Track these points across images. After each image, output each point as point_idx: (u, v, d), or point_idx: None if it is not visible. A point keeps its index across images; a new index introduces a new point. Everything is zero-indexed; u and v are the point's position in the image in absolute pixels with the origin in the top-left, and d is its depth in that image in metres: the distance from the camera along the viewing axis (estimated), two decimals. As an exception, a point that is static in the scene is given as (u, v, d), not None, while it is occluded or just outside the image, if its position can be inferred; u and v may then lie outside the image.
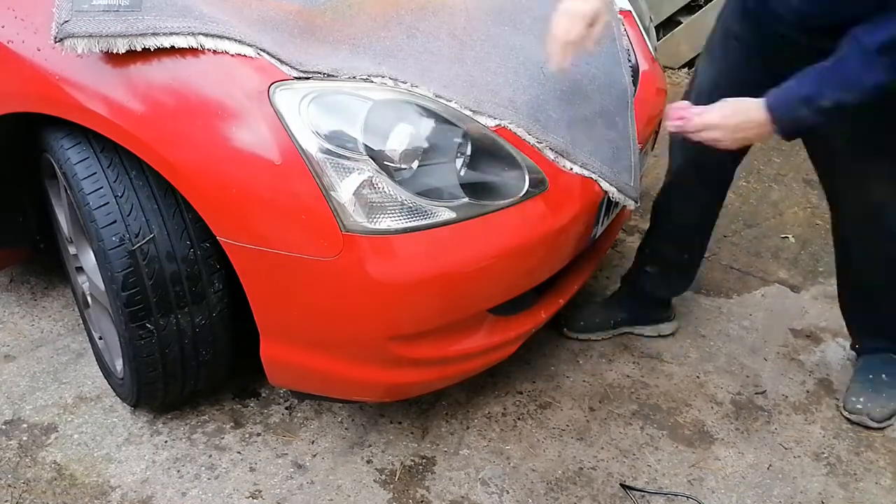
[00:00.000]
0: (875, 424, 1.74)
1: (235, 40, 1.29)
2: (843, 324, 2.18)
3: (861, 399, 1.77)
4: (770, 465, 1.69)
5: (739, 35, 1.57)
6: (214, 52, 1.29)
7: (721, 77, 1.61)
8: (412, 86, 1.37)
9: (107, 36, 1.25)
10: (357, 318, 1.35)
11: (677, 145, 1.75)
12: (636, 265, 1.97)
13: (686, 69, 3.91)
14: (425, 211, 1.31)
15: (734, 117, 1.40)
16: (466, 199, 1.35)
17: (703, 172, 1.73)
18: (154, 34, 1.26)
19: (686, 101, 1.53)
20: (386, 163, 1.28)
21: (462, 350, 1.49)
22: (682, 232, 1.87)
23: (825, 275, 2.37)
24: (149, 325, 1.41)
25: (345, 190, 1.26)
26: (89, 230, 1.39)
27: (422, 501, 1.54)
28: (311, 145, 1.26)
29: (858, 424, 1.76)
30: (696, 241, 1.90)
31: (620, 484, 1.60)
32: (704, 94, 1.57)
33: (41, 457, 1.58)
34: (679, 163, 1.77)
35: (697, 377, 1.93)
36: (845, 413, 1.78)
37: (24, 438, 1.61)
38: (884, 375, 1.80)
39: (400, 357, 1.41)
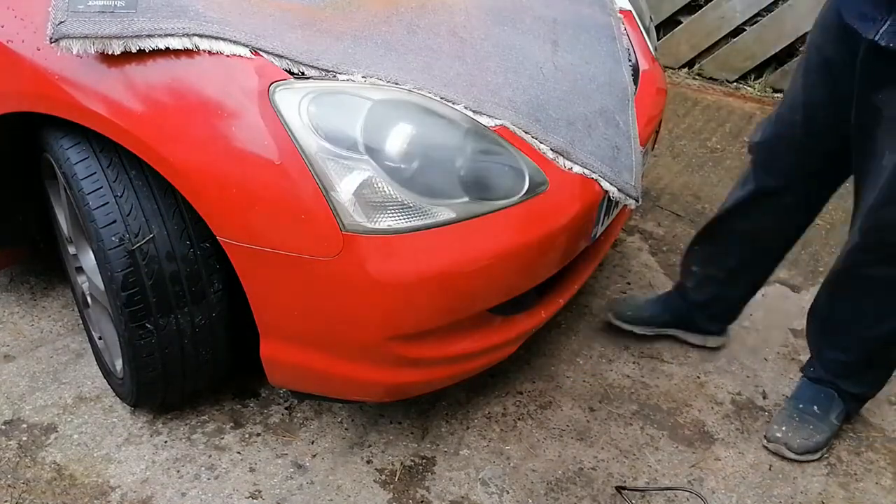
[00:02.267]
0: (793, 455, 1.67)
1: (230, 41, 1.29)
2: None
3: (783, 429, 1.70)
4: (770, 466, 1.69)
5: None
6: (210, 52, 1.28)
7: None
8: (413, 86, 1.37)
9: (102, 37, 1.24)
10: (357, 318, 1.35)
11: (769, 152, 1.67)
12: (685, 259, 1.94)
13: (686, 69, 3.90)
14: (425, 211, 1.31)
15: None
16: (466, 199, 1.34)
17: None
18: (149, 36, 1.26)
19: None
20: (386, 162, 1.28)
21: (462, 350, 1.49)
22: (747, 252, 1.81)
23: (825, 275, 2.36)
24: (148, 325, 1.41)
25: (345, 190, 1.26)
26: (89, 230, 1.39)
27: (422, 501, 1.54)
28: (311, 145, 1.26)
29: (776, 454, 1.69)
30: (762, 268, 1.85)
31: (616, 487, 1.60)
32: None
33: (41, 457, 1.57)
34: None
35: (698, 377, 1.93)
36: (765, 441, 1.71)
37: (24, 438, 1.61)
38: (815, 408, 1.73)
39: (400, 357, 1.41)
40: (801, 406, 1.75)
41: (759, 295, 2.23)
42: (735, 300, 1.95)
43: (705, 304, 1.93)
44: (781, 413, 1.76)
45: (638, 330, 1.95)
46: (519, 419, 1.75)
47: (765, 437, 1.72)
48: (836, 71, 1.50)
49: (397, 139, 1.30)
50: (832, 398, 1.75)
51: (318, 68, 1.33)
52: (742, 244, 1.81)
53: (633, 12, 2.13)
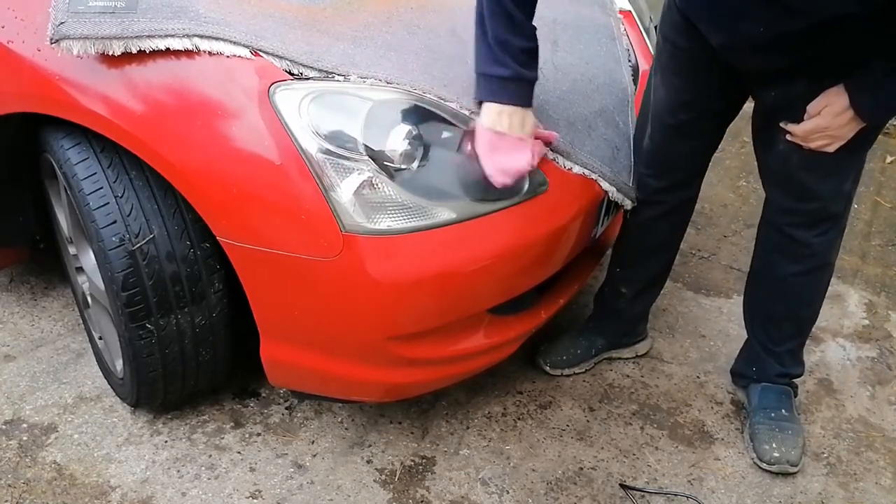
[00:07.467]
0: (795, 469, 1.65)
1: (231, 41, 1.29)
2: (844, 324, 2.19)
3: (773, 445, 1.66)
4: (770, 465, 1.69)
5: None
6: (210, 53, 1.29)
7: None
8: (412, 86, 1.37)
9: (102, 38, 1.25)
10: (357, 318, 1.35)
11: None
12: (609, 288, 1.88)
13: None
14: (425, 211, 1.31)
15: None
16: (466, 199, 1.35)
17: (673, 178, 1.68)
18: (149, 36, 1.26)
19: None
20: (386, 163, 1.28)
21: (462, 350, 1.49)
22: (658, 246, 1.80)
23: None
24: (149, 325, 1.41)
25: (345, 190, 1.26)
26: (89, 230, 1.39)
27: (422, 501, 1.54)
28: (311, 145, 1.26)
29: (780, 473, 1.66)
30: (672, 252, 1.84)
31: (620, 484, 1.60)
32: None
33: (41, 457, 1.58)
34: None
35: (697, 377, 1.93)
36: (763, 464, 1.66)
37: (24, 438, 1.61)
38: (783, 410, 1.72)
39: (400, 357, 1.41)
40: (773, 415, 1.71)
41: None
42: (657, 292, 1.93)
43: (643, 313, 1.93)
44: (760, 428, 1.70)
45: (578, 369, 1.89)
46: (519, 419, 1.75)
47: (761, 460, 1.66)
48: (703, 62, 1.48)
49: (397, 139, 1.30)
50: (790, 394, 1.77)
51: (319, 69, 1.33)
52: (662, 251, 1.81)
53: (633, 13, 2.14)
